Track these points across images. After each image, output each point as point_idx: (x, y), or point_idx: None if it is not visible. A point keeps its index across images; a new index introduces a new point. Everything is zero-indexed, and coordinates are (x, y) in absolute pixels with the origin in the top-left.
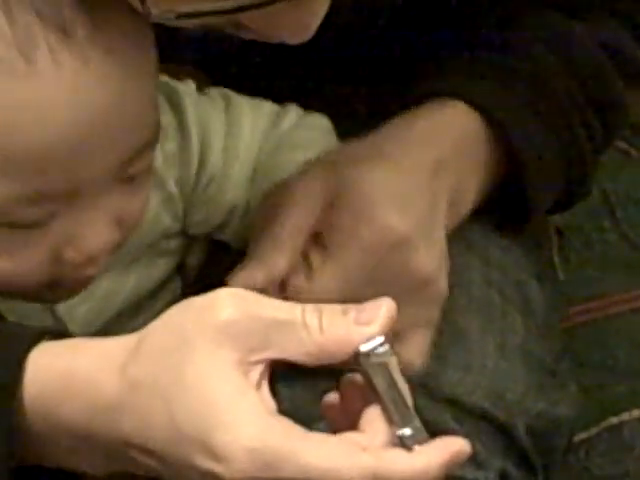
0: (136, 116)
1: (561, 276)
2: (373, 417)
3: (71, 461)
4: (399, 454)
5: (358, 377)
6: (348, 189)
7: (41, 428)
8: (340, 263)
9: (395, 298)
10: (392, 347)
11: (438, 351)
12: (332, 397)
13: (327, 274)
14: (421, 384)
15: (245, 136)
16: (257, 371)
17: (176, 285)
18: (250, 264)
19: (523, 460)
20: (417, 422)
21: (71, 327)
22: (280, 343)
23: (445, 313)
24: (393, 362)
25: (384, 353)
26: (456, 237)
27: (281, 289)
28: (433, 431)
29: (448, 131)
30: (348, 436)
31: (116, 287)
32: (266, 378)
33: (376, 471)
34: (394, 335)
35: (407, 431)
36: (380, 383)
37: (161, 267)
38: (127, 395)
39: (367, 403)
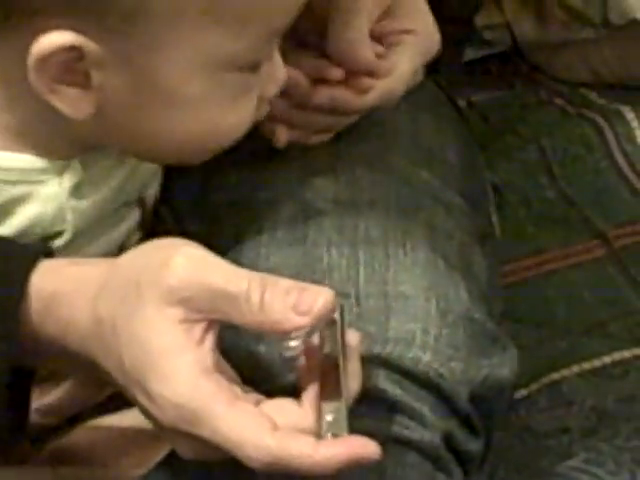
0: None
1: (499, 234)
2: (310, 395)
3: (57, 365)
4: (304, 443)
5: None
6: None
7: (30, 340)
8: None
9: None
10: (335, 331)
11: (381, 318)
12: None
13: None
14: (365, 354)
15: None
16: (200, 327)
17: None
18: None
19: (466, 423)
20: (341, 410)
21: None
22: (224, 311)
23: (390, 276)
24: (326, 348)
25: (296, 346)
26: (402, 201)
27: None
28: (381, 397)
29: None
30: (280, 405)
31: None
32: (212, 333)
33: (276, 455)
34: None
35: (327, 417)
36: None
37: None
38: (94, 327)
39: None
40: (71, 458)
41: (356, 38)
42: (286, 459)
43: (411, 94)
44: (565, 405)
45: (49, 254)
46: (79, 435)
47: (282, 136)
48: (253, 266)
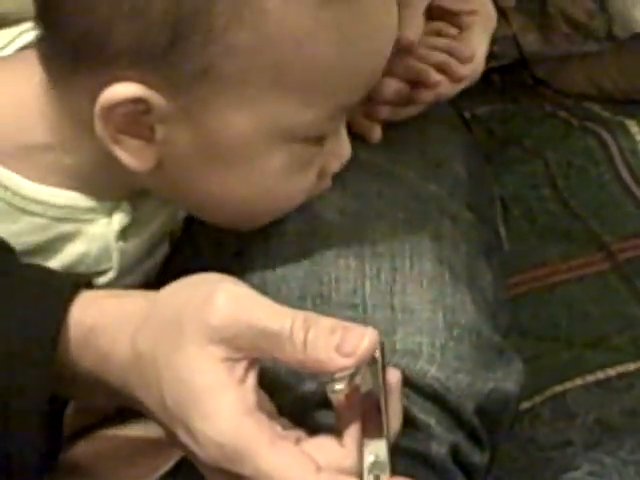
0: None
1: (506, 247)
2: (352, 434)
3: (91, 397)
4: None
5: None
6: None
7: (68, 371)
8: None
9: None
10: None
11: (388, 330)
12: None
13: None
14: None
15: None
16: (242, 366)
17: None
18: None
19: (472, 435)
20: (383, 450)
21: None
22: (266, 349)
23: (397, 288)
24: (366, 386)
25: (342, 389)
26: (409, 213)
27: None
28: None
29: None
30: (321, 444)
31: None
32: (253, 371)
33: None
34: None
35: (369, 457)
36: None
37: None
38: (134, 361)
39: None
40: (76, 470)
41: (407, 15)
42: None
43: None
44: (569, 418)
45: (89, 285)
46: (84, 447)
47: (378, 135)
48: (261, 278)
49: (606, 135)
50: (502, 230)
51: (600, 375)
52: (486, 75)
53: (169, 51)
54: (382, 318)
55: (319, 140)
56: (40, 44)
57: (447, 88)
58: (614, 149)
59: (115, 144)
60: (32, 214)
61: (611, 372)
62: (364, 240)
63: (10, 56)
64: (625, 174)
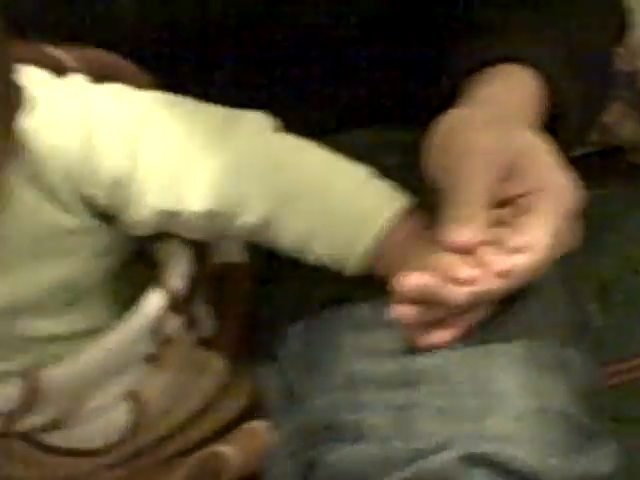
0: None
1: (601, 331)
2: None
3: None
4: None
5: None
6: (526, 158)
7: None
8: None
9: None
10: None
11: (478, 415)
12: None
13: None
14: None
15: None
16: None
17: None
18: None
19: None
20: None
21: None
22: None
23: (484, 374)
24: None
25: None
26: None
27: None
28: None
29: (522, 93)
30: None
31: None
32: None
33: None
34: None
35: None
36: None
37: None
38: None
39: None
40: None
41: (462, 216)
42: None
43: None
44: None
45: None
46: None
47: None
48: (350, 370)
49: None
50: (598, 314)
51: None
52: (583, 161)
53: None
54: (473, 405)
55: None
56: None
57: (487, 283)
58: None
59: None
60: None
61: None
62: None
63: None
64: None
